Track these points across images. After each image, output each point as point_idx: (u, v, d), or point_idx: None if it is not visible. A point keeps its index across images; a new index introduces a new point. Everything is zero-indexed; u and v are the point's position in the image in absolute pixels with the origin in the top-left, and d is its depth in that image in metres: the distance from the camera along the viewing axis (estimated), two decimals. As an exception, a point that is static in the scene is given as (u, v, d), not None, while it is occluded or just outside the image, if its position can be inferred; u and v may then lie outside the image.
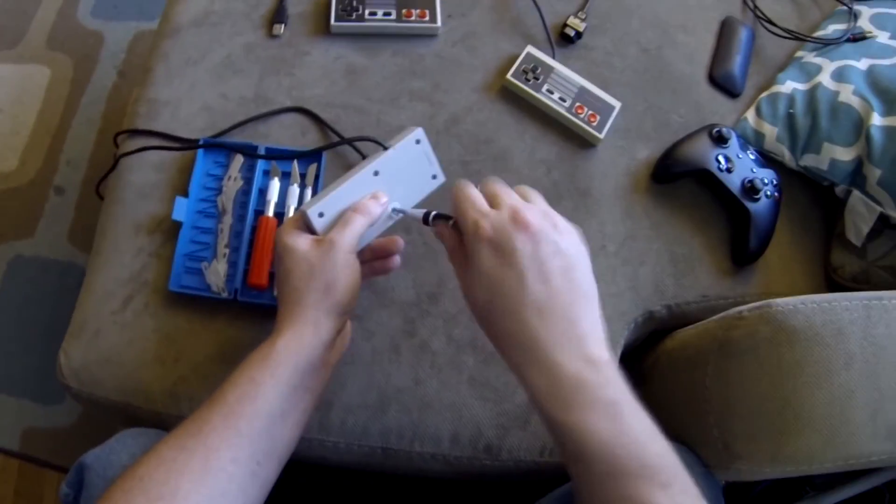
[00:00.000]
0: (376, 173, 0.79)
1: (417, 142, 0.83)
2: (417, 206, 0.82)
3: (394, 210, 0.80)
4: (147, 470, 0.64)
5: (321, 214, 0.76)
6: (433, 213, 0.76)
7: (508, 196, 0.70)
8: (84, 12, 1.97)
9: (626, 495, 0.59)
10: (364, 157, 0.99)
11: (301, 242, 0.75)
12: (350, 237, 0.75)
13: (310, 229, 0.77)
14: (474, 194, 0.71)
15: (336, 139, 1.02)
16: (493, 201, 0.70)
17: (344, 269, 0.74)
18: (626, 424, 0.61)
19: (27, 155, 1.77)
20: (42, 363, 1.56)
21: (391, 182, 0.80)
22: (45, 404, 1.53)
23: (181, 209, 0.95)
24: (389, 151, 0.81)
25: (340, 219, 0.77)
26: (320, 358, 0.73)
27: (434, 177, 0.84)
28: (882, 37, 1.15)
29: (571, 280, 0.66)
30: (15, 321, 1.61)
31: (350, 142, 0.97)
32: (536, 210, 0.68)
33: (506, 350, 0.66)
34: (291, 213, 0.96)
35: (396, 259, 0.86)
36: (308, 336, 0.72)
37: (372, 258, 0.86)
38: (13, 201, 1.73)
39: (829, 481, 0.99)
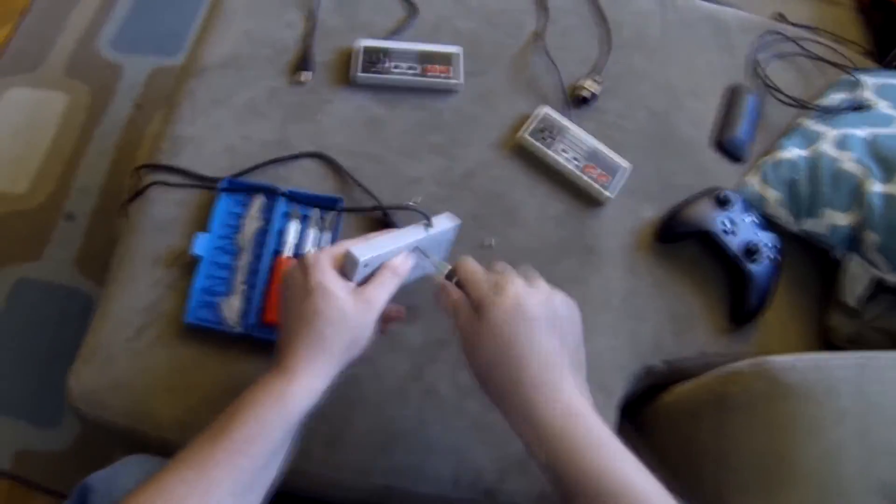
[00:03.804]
0: (415, 249, 0.84)
1: (452, 231, 0.90)
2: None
3: (418, 250, 0.84)
4: (146, 497, 0.64)
5: (366, 265, 0.77)
6: (456, 277, 0.79)
7: (514, 272, 0.77)
8: (104, 43, 2.01)
9: None
10: (381, 205, 1.03)
11: (340, 289, 0.75)
12: (385, 300, 0.78)
13: (345, 273, 0.77)
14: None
15: (352, 184, 1.05)
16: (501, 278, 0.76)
17: (372, 329, 0.77)
18: (608, 462, 0.68)
19: (39, 179, 1.79)
20: (40, 386, 1.56)
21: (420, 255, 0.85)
22: (41, 427, 1.53)
23: (201, 244, 0.97)
24: (433, 231, 0.86)
25: (378, 276, 0.79)
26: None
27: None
28: (883, 106, 1.19)
29: (567, 345, 0.74)
30: (16, 343, 1.61)
31: (387, 209, 1.02)
32: (543, 284, 0.77)
33: (505, 399, 0.73)
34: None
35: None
36: (322, 384, 0.74)
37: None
38: (22, 224, 1.74)
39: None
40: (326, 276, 0.75)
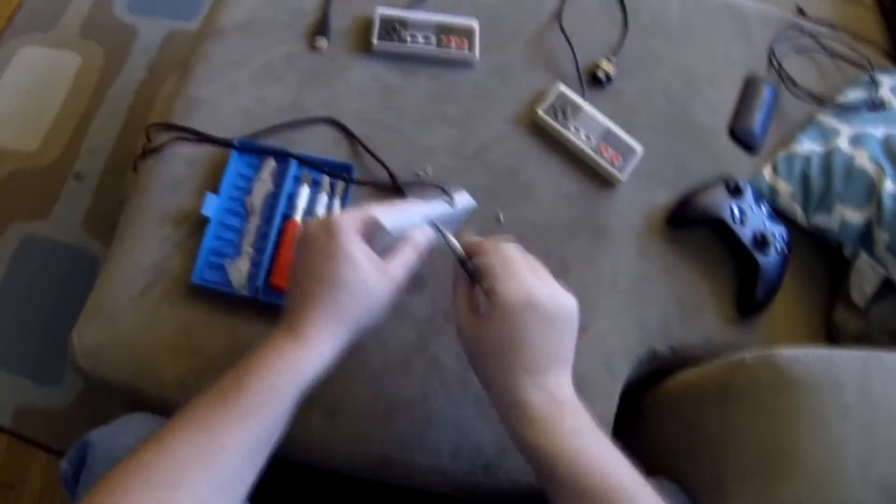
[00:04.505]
0: (433, 224, 0.82)
1: (469, 211, 0.90)
2: None
3: (436, 226, 0.83)
4: (150, 457, 0.63)
5: (392, 235, 0.76)
6: (471, 264, 0.79)
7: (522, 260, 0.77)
8: (120, 5, 2.01)
9: None
10: (393, 177, 1.03)
11: (365, 258, 0.74)
12: (406, 275, 0.78)
13: (369, 240, 0.75)
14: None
15: (364, 151, 1.05)
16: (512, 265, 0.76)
17: (388, 303, 0.77)
18: (585, 446, 0.70)
19: (50, 138, 1.80)
20: (43, 344, 1.57)
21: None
22: (41, 384, 1.54)
23: (211, 205, 0.97)
24: (454, 209, 0.87)
25: (400, 251, 0.78)
26: None
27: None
28: (900, 107, 1.18)
29: (558, 343, 0.74)
30: (21, 300, 1.62)
31: (401, 183, 1.01)
32: (551, 280, 0.76)
33: (494, 382, 0.74)
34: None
35: None
36: (334, 353, 0.73)
37: None
38: (31, 182, 1.75)
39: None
40: (352, 243, 0.73)
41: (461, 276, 0.79)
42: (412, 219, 0.80)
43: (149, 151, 1.04)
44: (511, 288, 0.72)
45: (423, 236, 0.81)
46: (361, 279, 0.73)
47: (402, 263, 0.77)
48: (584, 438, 0.71)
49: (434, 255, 0.86)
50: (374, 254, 0.75)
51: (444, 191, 0.86)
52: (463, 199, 0.89)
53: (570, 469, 0.68)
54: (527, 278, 0.73)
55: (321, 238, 0.74)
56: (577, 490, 0.68)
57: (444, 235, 0.81)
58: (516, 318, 0.71)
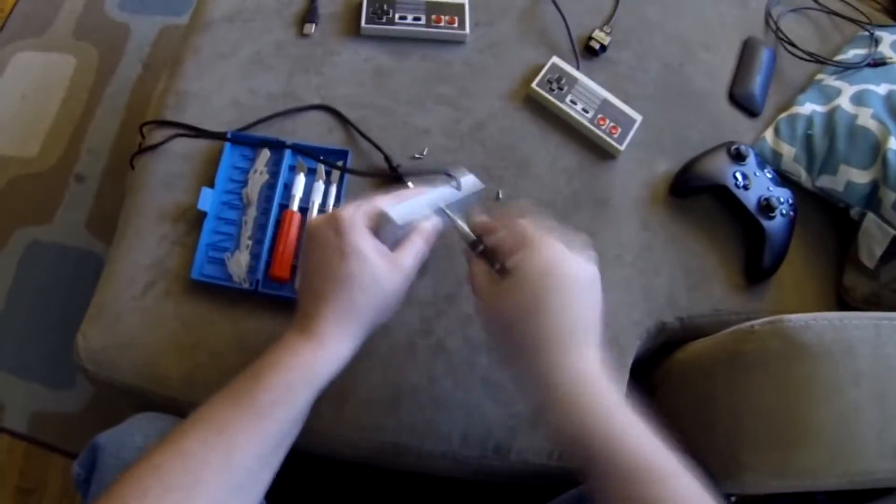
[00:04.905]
0: (441, 211, 0.81)
1: (477, 194, 0.87)
2: None
3: (444, 213, 0.81)
4: (163, 459, 0.63)
5: (401, 228, 0.75)
6: (482, 246, 0.77)
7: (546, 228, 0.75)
8: (111, 4, 1.99)
9: (628, 493, 0.64)
10: (388, 158, 1.01)
11: (375, 254, 0.73)
12: (416, 267, 0.77)
13: (377, 233, 0.75)
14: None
15: (359, 136, 1.04)
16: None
17: (401, 296, 0.76)
18: (616, 426, 0.66)
19: (49, 142, 1.79)
20: (54, 348, 1.56)
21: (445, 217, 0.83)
22: (55, 389, 1.54)
23: (207, 199, 0.96)
24: (462, 193, 0.84)
25: (410, 242, 0.77)
26: None
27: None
28: (902, 63, 1.16)
29: (580, 312, 0.71)
30: (29, 306, 1.62)
31: (404, 174, 0.99)
32: (578, 245, 0.74)
33: (521, 358, 0.71)
34: (316, 208, 0.98)
35: None
36: (349, 351, 0.73)
37: None
38: (33, 187, 1.74)
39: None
40: (362, 239, 0.73)
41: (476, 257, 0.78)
42: (419, 208, 0.79)
43: (143, 149, 1.03)
44: (525, 259, 0.70)
45: (432, 224, 0.80)
46: (372, 274, 0.72)
47: (411, 254, 0.77)
48: (616, 418, 0.67)
49: (437, 240, 0.85)
50: (384, 246, 0.75)
51: (449, 175, 0.84)
52: (469, 182, 0.87)
53: (603, 455, 0.65)
54: (540, 248, 0.71)
55: (329, 235, 0.73)
56: (612, 471, 0.65)
57: (454, 222, 0.80)
58: (533, 287, 0.69)
